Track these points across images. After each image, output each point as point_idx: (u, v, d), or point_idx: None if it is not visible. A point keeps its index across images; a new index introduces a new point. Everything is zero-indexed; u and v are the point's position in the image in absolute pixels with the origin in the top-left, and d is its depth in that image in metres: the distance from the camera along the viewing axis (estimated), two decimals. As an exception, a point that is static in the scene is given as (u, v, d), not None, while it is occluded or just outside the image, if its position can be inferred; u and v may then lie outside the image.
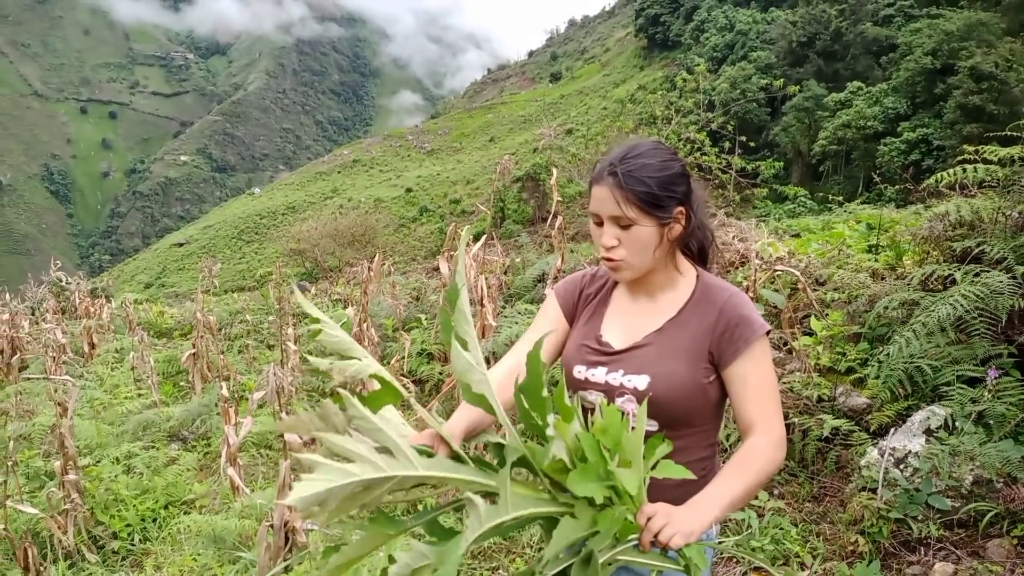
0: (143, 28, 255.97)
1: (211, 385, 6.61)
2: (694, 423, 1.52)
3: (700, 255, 1.62)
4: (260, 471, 4.86)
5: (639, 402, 1.49)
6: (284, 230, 53.37)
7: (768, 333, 1.50)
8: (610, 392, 1.54)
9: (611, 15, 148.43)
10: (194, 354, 6.83)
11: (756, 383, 1.46)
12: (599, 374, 1.55)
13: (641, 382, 1.50)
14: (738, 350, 1.46)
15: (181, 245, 73.44)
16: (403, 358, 5.80)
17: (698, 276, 1.58)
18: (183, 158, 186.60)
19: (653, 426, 1.52)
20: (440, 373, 6.01)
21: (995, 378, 3.13)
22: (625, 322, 1.59)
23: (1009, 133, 4.25)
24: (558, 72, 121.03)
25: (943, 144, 34.90)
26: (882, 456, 3.19)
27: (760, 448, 1.40)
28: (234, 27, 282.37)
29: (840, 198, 17.38)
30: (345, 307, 8.66)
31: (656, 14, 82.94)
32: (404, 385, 5.17)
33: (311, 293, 13.17)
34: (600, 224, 1.51)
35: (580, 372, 1.58)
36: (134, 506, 4.23)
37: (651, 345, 1.52)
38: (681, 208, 1.50)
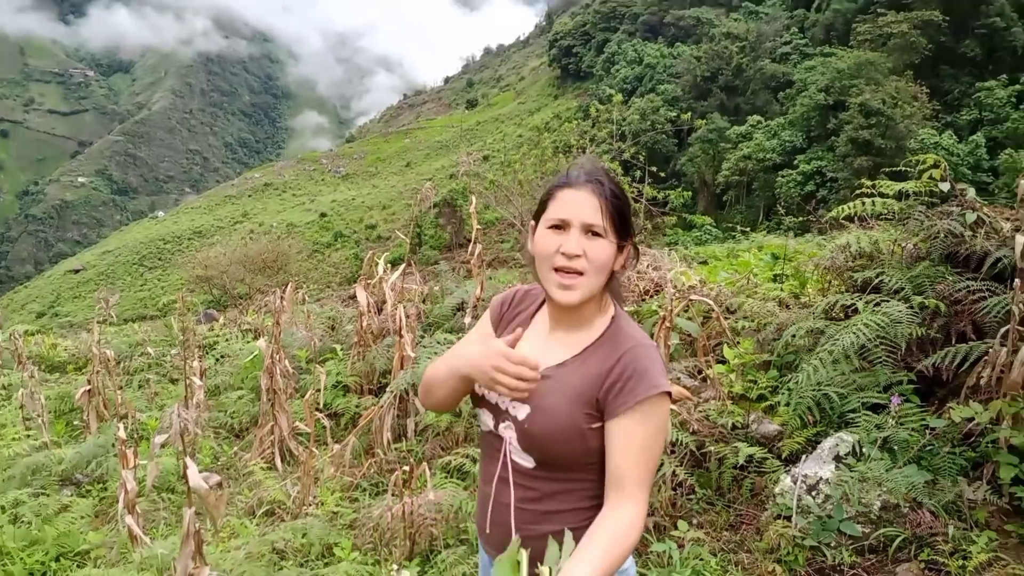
0: (40, 43, 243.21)
1: (108, 424, 6.20)
2: (573, 469, 1.46)
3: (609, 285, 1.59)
4: (162, 517, 4.56)
5: (516, 431, 1.47)
6: (190, 256, 51.42)
7: (668, 396, 1.42)
8: (497, 414, 1.52)
9: (526, 44, 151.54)
10: (89, 390, 6.40)
11: (640, 445, 1.39)
12: (493, 395, 1.53)
13: (522, 412, 1.47)
14: (624, 403, 1.39)
15: (77, 271, 69.90)
16: (318, 391, 5.61)
17: (613, 317, 1.53)
18: (81, 180, 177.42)
19: (529, 462, 1.48)
20: (357, 406, 5.83)
21: (898, 405, 3.27)
22: (536, 349, 1.53)
23: (902, 168, 4.51)
24: (474, 99, 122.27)
25: (836, 176, 37.11)
26: (795, 483, 3.27)
27: (635, 524, 1.36)
28: (129, 41, 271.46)
29: (745, 228, 18.17)
30: (256, 338, 8.35)
31: (569, 45, 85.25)
32: (318, 420, 4.95)
33: (219, 323, 12.65)
34: (559, 228, 1.45)
35: (479, 388, 1.55)
36: (21, 559, 3.89)
37: (547, 379, 1.46)
38: (631, 242, 1.50)
